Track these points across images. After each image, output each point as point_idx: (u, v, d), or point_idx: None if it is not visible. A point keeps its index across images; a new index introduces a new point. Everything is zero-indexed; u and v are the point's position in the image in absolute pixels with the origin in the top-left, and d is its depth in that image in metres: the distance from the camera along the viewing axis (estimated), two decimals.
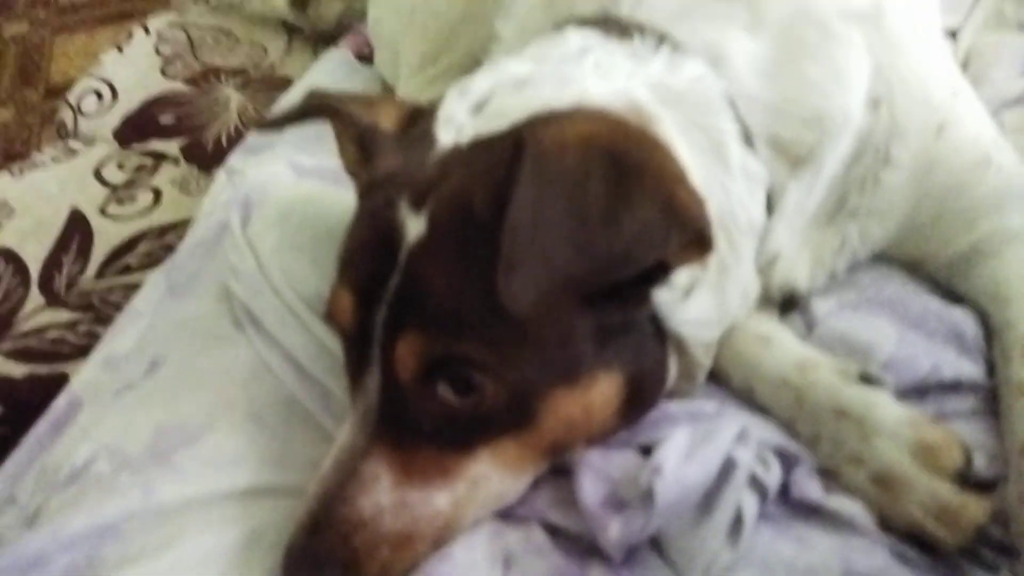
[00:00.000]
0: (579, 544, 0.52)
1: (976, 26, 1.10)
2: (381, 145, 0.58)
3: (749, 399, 0.63)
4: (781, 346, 0.63)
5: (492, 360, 0.49)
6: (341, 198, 0.69)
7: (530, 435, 0.53)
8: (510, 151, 0.47)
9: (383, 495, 0.51)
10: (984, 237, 0.67)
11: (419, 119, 0.59)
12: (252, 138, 1.08)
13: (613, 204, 0.46)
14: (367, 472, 0.51)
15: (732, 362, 0.64)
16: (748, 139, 0.60)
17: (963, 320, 0.65)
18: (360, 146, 0.61)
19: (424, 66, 1.00)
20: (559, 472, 0.56)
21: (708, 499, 0.52)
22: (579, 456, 0.56)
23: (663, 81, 0.57)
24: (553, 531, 0.54)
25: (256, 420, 0.62)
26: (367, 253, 0.54)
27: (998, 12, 1.11)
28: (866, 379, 0.60)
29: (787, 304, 0.68)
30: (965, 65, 1.05)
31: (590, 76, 0.57)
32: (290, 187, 0.77)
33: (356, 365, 0.54)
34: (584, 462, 0.54)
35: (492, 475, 0.53)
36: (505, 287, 0.44)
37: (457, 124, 0.56)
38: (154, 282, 0.81)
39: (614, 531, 0.50)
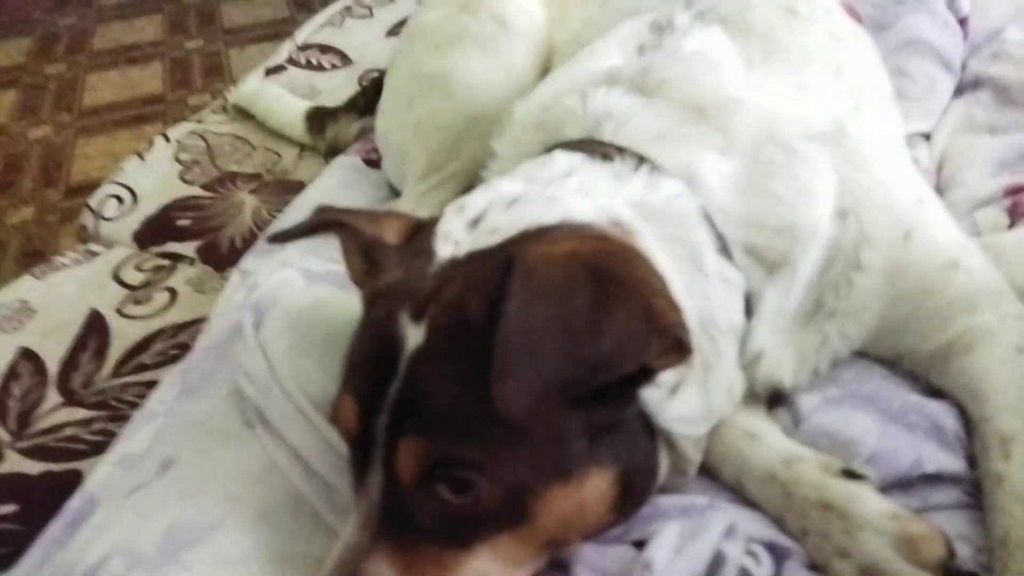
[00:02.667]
0: None
1: (949, 130, 1.17)
2: (385, 257, 0.63)
3: (740, 493, 0.65)
4: (767, 442, 0.66)
5: (488, 461, 0.52)
6: (348, 303, 0.74)
7: (527, 531, 0.55)
8: (502, 266, 0.52)
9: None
10: (958, 335, 0.71)
11: (420, 232, 0.64)
12: (264, 241, 1.14)
13: (596, 315, 0.50)
14: (370, 571, 0.53)
15: (721, 457, 0.66)
16: (725, 249, 0.64)
17: (943, 414, 0.68)
18: (366, 257, 0.66)
19: (428, 174, 1.07)
20: (556, 566, 0.58)
21: None
22: (574, 551, 0.58)
23: (643, 199, 0.63)
24: None
25: (264, 518, 0.65)
26: (370, 361, 0.58)
27: (968, 116, 1.17)
28: (849, 473, 0.62)
29: (774, 400, 0.71)
30: (940, 167, 1.12)
31: (575, 195, 0.62)
32: (300, 293, 0.81)
33: (360, 466, 0.57)
34: (579, 557, 0.56)
35: (491, 571, 0.55)
36: (498, 393, 0.48)
37: (454, 239, 0.61)
38: (169, 383, 0.84)
39: None
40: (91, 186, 2.59)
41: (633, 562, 0.55)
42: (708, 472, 0.67)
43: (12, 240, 2.50)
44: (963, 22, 1.26)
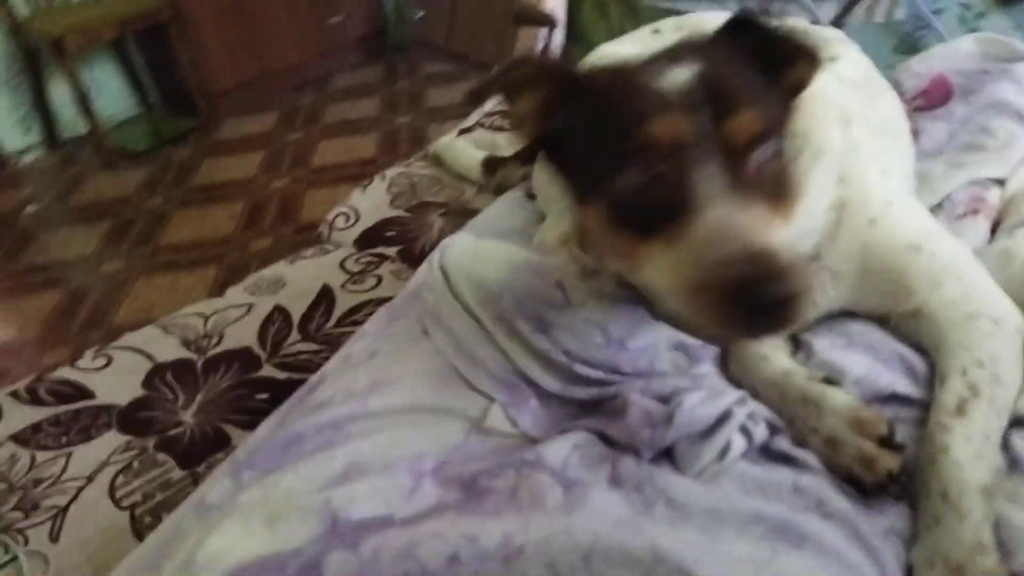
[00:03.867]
0: (622, 447, 0.83)
1: (1021, 178, 1.34)
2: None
3: (755, 395, 0.91)
4: (774, 361, 0.92)
5: (777, 134, 0.74)
6: (503, 247, 1.08)
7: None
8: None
9: (766, 229, 0.68)
10: (925, 303, 0.92)
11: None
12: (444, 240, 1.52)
13: None
14: (750, 218, 0.68)
15: (742, 370, 0.93)
16: None
17: (916, 361, 0.92)
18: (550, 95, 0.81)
19: (561, 214, 1.41)
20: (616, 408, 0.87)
21: (710, 431, 0.81)
22: (631, 393, 0.86)
23: None
24: (608, 441, 0.84)
25: (432, 377, 0.99)
26: (671, 88, 0.72)
27: None
28: (828, 380, 0.87)
29: (795, 344, 0.96)
30: (1007, 205, 1.30)
31: None
32: (471, 240, 1.18)
33: (685, 167, 0.69)
34: (632, 400, 0.85)
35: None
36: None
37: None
38: (377, 316, 1.23)
39: (646, 435, 0.80)
40: (316, 225, 3.23)
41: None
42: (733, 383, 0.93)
43: (252, 263, 3.15)
44: None
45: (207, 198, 3.70)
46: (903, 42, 3.29)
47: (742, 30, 0.79)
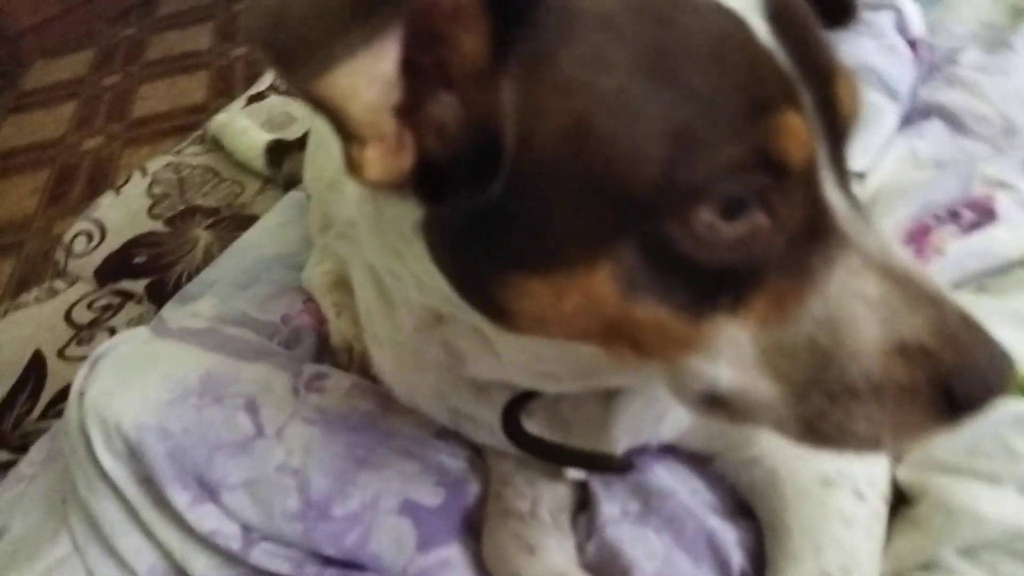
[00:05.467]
0: None
1: (887, 167, 1.08)
2: None
3: None
4: (543, 558, 0.63)
5: None
6: (178, 356, 0.78)
7: None
8: None
9: None
10: (765, 453, 0.65)
11: None
12: (187, 287, 1.17)
13: None
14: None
15: (502, 567, 0.64)
16: None
17: (733, 548, 0.63)
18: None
19: (323, 231, 1.07)
20: None
21: None
22: None
23: None
24: None
25: None
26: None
27: (911, 151, 1.08)
28: None
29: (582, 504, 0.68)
30: (873, 204, 1.03)
31: None
32: (140, 345, 0.84)
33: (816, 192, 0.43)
34: None
35: None
36: None
37: None
38: (39, 444, 0.90)
39: None
40: None
41: None
42: None
43: (57, 252, 2.68)
44: (913, 45, 1.15)
45: (5, 168, 3.14)
46: None
47: None
